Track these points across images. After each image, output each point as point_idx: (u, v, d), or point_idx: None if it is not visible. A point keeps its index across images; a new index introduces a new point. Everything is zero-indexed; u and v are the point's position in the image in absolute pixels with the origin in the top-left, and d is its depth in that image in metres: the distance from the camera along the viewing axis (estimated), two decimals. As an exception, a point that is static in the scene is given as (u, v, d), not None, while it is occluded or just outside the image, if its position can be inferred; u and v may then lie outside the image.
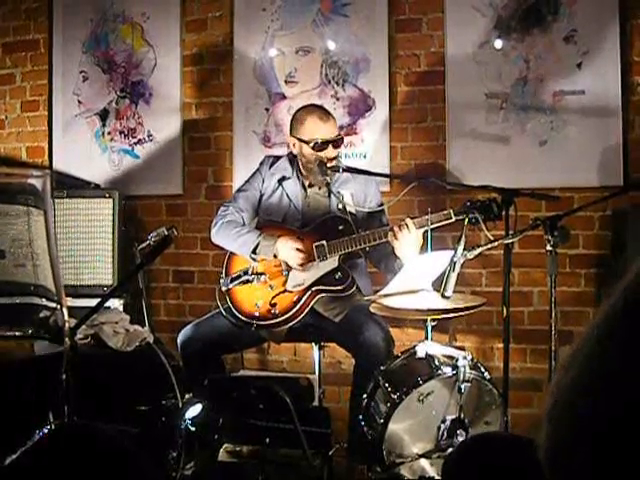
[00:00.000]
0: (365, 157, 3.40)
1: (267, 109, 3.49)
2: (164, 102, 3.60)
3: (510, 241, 2.08)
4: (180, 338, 2.57)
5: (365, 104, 3.39)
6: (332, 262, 2.50)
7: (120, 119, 3.66)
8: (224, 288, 2.53)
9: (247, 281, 2.47)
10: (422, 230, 2.33)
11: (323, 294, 2.52)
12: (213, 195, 3.58)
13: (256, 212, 2.73)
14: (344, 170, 2.55)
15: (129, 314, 2.56)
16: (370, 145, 3.39)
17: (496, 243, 2.05)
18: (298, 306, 2.50)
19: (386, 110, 3.34)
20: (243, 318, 2.52)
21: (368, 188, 2.68)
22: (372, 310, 2.18)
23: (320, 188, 2.67)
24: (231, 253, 2.64)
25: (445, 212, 2.33)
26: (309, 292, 2.50)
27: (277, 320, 2.50)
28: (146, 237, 2.67)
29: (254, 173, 2.77)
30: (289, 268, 2.53)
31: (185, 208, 3.62)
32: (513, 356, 2.96)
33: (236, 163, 3.52)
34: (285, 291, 2.51)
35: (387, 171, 3.31)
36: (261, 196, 2.71)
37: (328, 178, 2.57)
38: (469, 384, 2.02)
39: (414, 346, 2.19)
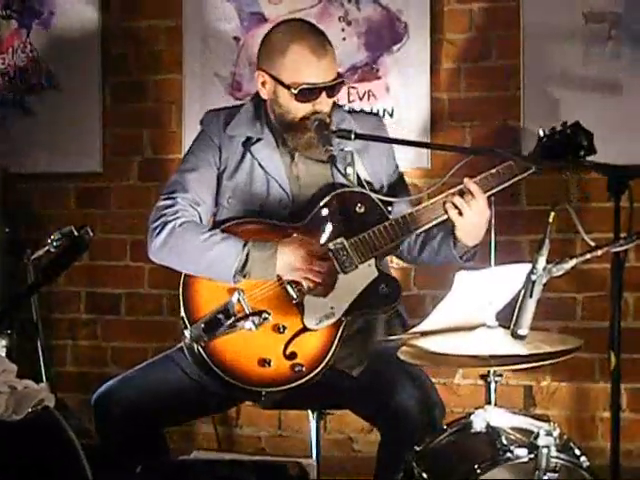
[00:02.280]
0: (391, 115, 3.41)
1: (237, 38, 3.52)
2: (72, 25, 3.63)
3: (622, 249, 2.09)
4: (97, 400, 2.57)
5: (392, 31, 3.41)
6: (368, 270, 2.51)
7: (2, 52, 3.69)
8: (197, 346, 2.36)
9: (234, 325, 2.23)
10: (488, 195, 2.43)
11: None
12: (150, 175, 3.60)
13: (215, 202, 2.67)
14: (357, 136, 2.53)
15: (16, 362, 2.58)
16: (399, 96, 3.41)
17: (599, 252, 2.06)
18: (332, 350, 2.47)
19: (426, 41, 3.37)
20: (244, 386, 2.44)
21: (381, 161, 2.70)
22: (402, 356, 2.19)
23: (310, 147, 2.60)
24: (187, 277, 2.53)
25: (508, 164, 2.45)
26: (344, 323, 2.49)
27: (306, 379, 2.44)
28: (45, 241, 2.68)
29: (200, 138, 2.70)
30: (301, 293, 2.48)
31: (106, 195, 3.65)
32: (627, 431, 2.97)
33: (187, 124, 3.55)
34: (305, 329, 2.48)
35: (427, 137, 3.33)
36: (220, 174, 2.65)
37: (333, 149, 2.51)
38: (555, 475, 2.04)
39: (469, 414, 2.21)
